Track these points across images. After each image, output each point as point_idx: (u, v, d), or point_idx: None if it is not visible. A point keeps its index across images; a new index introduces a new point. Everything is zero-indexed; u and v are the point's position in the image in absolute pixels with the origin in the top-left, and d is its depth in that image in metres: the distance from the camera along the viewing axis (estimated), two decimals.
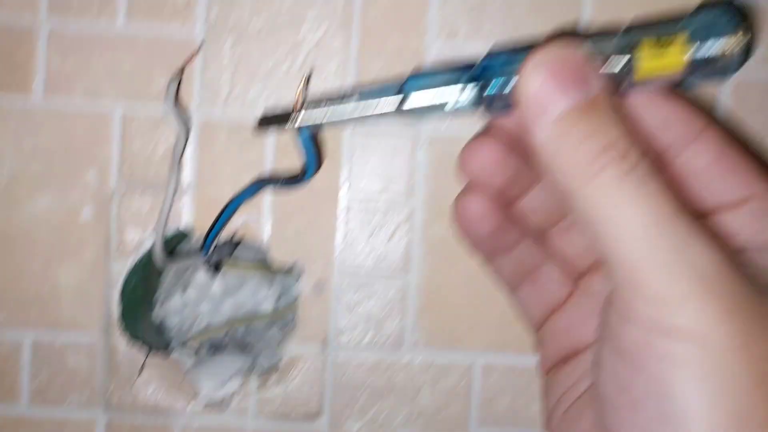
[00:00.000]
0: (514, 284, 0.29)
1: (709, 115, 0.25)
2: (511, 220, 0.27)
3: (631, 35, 0.22)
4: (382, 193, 0.34)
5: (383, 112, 0.25)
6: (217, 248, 0.34)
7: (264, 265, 0.38)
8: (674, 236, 0.19)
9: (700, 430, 0.19)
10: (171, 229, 0.34)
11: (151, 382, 0.35)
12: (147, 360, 0.35)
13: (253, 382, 0.35)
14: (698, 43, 0.21)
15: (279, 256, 0.34)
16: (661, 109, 0.24)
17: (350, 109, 0.25)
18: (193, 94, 0.33)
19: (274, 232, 0.34)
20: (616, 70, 0.22)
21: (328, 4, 0.33)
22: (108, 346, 0.34)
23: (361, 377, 0.34)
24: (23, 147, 0.34)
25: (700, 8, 0.22)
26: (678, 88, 0.23)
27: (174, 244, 0.35)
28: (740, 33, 0.20)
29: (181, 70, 0.32)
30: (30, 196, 0.34)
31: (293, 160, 0.33)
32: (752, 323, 0.19)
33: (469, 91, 0.24)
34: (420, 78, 0.25)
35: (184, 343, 0.37)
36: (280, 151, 0.33)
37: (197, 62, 0.33)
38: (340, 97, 0.26)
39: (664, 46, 0.21)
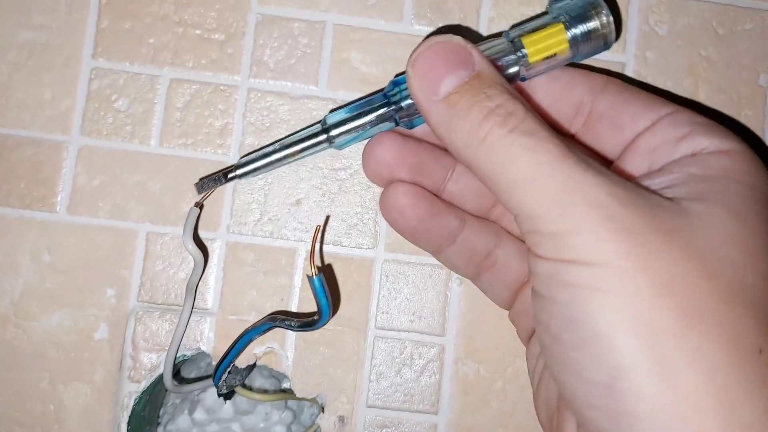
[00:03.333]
0: (472, 274, 0.29)
1: (608, 74, 0.28)
2: (442, 209, 0.28)
3: (513, 34, 0.25)
4: (412, 327, 0.33)
5: (314, 143, 0.27)
6: (230, 375, 0.33)
7: (280, 392, 0.37)
8: (563, 175, 0.21)
9: (612, 349, 0.19)
10: (189, 353, 0.33)
11: None
12: None
13: None
14: (574, 26, 0.25)
15: (301, 387, 0.32)
16: (564, 76, 0.27)
17: (283, 153, 0.28)
18: (222, 216, 0.33)
19: (297, 363, 0.32)
20: (511, 66, 0.25)
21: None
22: None
23: None
24: (41, 261, 0.32)
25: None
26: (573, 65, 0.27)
27: (188, 360, 0.34)
28: (602, 15, 0.25)
29: (201, 202, 0.31)
30: (43, 312, 0.32)
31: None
32: (646, 240, 0.20)
33: (386, 108, 0.26)
34: (339, 110, 0.27)
35: None
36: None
37: (230, 185, 0.33)
38: (272, 146, 0.28)
39: (546, 38, 0.25)
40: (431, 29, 0.33)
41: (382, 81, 0.33)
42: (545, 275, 0.21)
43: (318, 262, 0.32)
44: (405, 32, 0.33)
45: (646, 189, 0.22)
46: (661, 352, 0.19)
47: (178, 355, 0.32)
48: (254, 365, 0.33)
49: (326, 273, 0.32)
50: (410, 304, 0.33)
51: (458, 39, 0.24)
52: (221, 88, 0.33)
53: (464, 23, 0.33)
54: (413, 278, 0.33)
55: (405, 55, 0.33)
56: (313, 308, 0.31)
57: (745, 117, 0.34)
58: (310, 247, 0.27)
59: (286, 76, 0.33)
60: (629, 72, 0.34)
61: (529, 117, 0.22)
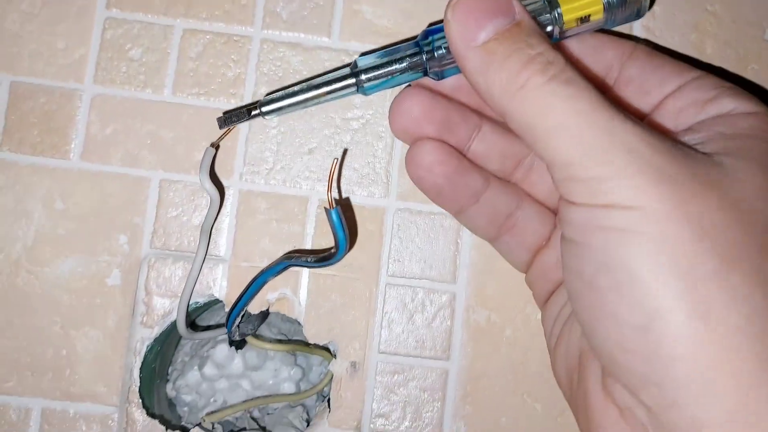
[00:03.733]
0: (492, 235, 0.30)
1: (636, 39, 0.28)
2: (468, 168, 0.28)
3: None
4: (423, 275, 0.33)
5: (343, 86, 0.27)
6: (243, 322, 0.33)
7: (292, 342, 0.37)
8: (601, 123, 0.21)
9: (650, 291, 0.20)
10: (202, 299, 0.33)
11: None
12: None
13: None
14: None
15: (313, 333, 0.33)
16: (594, 41, 0.27)
17: (310, 93, 0.27)
18: (236, 164, 0.33)
19: (310, 309, 0.33)
20: (546, 25, 0.25)
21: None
22: (125, 418, 0.32)
23: None
24: (54, 207, 0.32)
25: None
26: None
27: (202, 314, 0.34)
28: None
29: (218, 143, 0.32)
30: (55, 258, 0.32)
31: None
32: (684, 187, 0.20)
33: (418, 57, 0.26)
34: (369, 55, 0.27)
35: (197, 424, 0.35)
36: (321, 225, 0.33)
37: (243, 133, 0.33)
38: (298, 85, 0.28)
39: None
40: None
41: (394, 34, 0.34)
42: (580, 222, 0.21)
43: (335, 196, 0.32)
44: None
45: (681, 142, 0.23)
46: (701, 293, 0.19)
47: (191, 302, 0.32)
48: (267, 312, 0.33)
49: (343, 207, 0.32)
50: (422, 252, 0.33)
51: None
52: (234, 38, 0.33)
53: None
54: (424, 227, 0.33)
55: (417, 8, 0.34)
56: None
57: (752, 71, 0.34)
58: (327, 180, 0.27)
59: (298, 27, 0.33)
60: (637, 27, 0.34)
61: (569, 67, 0.22)
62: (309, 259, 0.29)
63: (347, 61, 0.33)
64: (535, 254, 0.29)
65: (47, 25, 0.33)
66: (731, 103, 0.24)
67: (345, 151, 0.33)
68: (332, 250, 0.28)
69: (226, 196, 0.33)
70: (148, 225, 0.33)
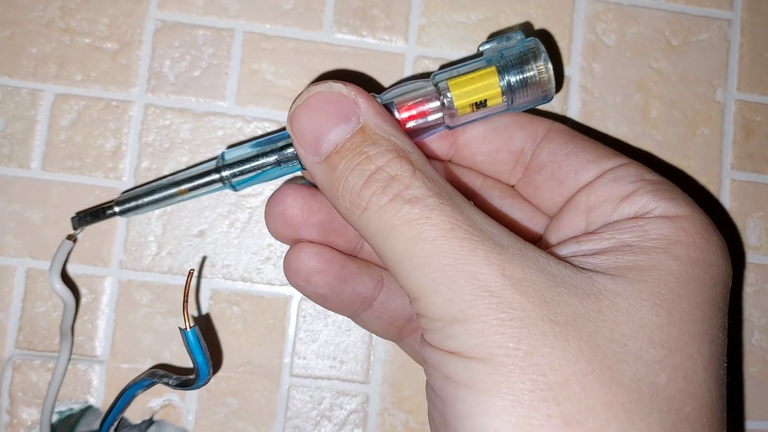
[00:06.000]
0: (394, 337, 0.27)
1: (556, 119, 0.25)
2: (354, 273, 0.24)
3: (440, 76, 0.22)
4: (332, 374, 0.29)
5: (206, 182, 0.24)
6: None
7: None
8: (450, 254, 0.18)
9: None
10: (77, 406, 0.28)
11: None
12: None
13: None
14: (508, 72, 0.22)
15: None
16: (504, 121, 0.24)
17: (170, 191, 0.24)
18: (114, 250, 0.29)
19: (200, 415, 0.28)
20: (435, 113, 0.22)
21: None
22: None
23: None
24: None
25: (496, 40, 0.22)
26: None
27: (74, 422, 0.30)
28: (540, 61, 0.22)
29: (76, 235, 0.27)
30: None
31: (225, 328, 0.29)
32: (539, 332, 0.17)
33: (290, 149, 0.22)
34: (239, 146, 0.24)
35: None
36: (216, 318, 0.28)
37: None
38: (160, 181, 0.25)
39: (475, 81, 0.22)
40: (354, 38, 0.30)
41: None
42: (432, 364, 0.18)
43: (194, 312, 0.28)
44: (324, 41, 0.30)
45: (560, 260, 0.19)
46: None
47: (64, 410, 0.28)
48: (151, 420, 0.28)
49: (204, 324, 0.28)
50: (330, 347, 0.29)
51: (338, 86, 0.20)
52: (113, 104, 0.29)
53: (392, 31, 0.30)
54: (334, 318, 0.29)
55: (324, 66, 0.30)
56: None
57: (701, 136, 0.30)
58: (184, 294, 0.23)
59: (188, 90, 0.29)
60: (574, 87, 0.30)
61: (417, 180, 0.19)
62: (171, 381, 0.25)
63: (244, 128, 0.29)
64: None
65: None
66: (651, 203, 0.20)
67: (204, 259, 0.28)
68: (192, 376, 0.24)
69: (104, 287, 0.28)
70: (12, 321, 0.28)
